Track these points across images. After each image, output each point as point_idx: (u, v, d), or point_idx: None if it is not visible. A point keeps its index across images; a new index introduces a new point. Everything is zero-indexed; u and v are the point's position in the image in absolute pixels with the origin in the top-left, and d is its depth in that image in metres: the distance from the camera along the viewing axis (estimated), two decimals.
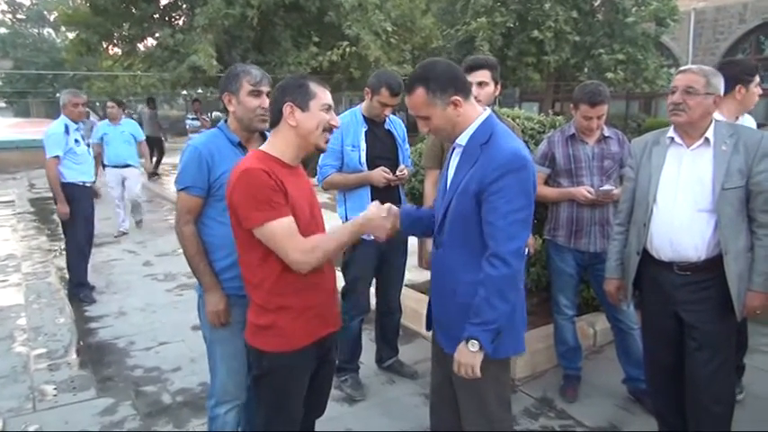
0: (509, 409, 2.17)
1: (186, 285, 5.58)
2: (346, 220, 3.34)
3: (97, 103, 23.58)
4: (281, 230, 1.87)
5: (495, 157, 1.89)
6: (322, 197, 9.60)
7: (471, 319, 1.89)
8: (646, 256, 2.56)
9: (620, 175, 3.18)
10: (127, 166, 7.44)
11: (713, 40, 19.26)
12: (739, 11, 18.63)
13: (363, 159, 3.27)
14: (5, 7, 33.59)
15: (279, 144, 2.00)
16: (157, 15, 14.11)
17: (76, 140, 5.13)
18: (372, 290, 3.58)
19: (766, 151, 2.35)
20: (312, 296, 2.01)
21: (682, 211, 2.42)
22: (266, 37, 13.38)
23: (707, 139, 2.41)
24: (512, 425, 2.21)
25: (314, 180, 3.45)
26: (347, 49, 12.37)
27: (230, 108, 2.35)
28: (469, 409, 2.11)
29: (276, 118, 1.99)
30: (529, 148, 2.90)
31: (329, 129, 2.02)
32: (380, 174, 3.21)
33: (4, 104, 36.59)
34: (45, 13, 32.78)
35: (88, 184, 5.25)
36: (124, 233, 7.69)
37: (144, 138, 7.76)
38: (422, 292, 4.38)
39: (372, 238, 3.26)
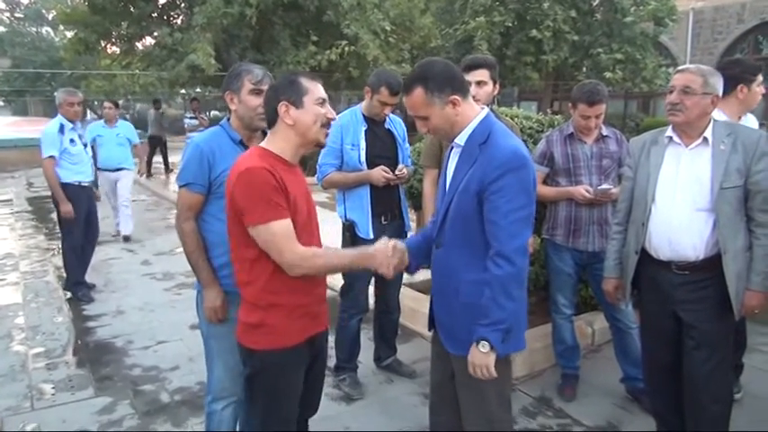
0: (509, 409, 2.17)
1: (184, 284, 5.57)
2: (345, 218, 3.35)
3: (95, 102, 23.56)
4: (280, 231, 1.87)
5: (495, 156, 1.89)
6: (321, 196, 9.59)
7: (480, 320, 1.89)
8: (644, 256, 2.56)
9: (619, 174, 3.18)
10: (120, 169, 7.14)
11: (711, 40, 19.29)
12: (738, 11, 18.66)
13: (363, 158, 3.27)
14: (3, 6, 33.61)
15: (278, 143, 1.99)
16: (156, 14, 14.13)
17: (72, 140, 5.10)
18: (371, 289, 3.58)
19: (765, 150, 2.35)
20: (303, 295, 2.02)
21: (680, 210, 2.42)
22: (265, 36, 13.39)
23: (705, 139, 2.41)
24: (512, 425, 2.21)
25: (312, 179, 3.46)
26: (346, 49, 12.38)
27: (232, 106, 2.36)
28: (470, 408, 2.11)
29: (272, 118, 1.98)
30: (527, 147, 2.90)
31: (326, 123, 2.00)
32: (380, 173, 3.21)
33: (2, 103, 36.54)
34: (43, 11, 32.78)
35: (85, 184, 5.22)
36: (123, 235, 7.46)
37: (139, 141, 7.46)
38: (421, 292, 4.37)
39: (371, 236, 3.30)
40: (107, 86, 16.43)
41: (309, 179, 3.90)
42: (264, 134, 2.39)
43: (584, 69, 16.31)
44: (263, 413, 2.05)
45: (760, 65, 3.24)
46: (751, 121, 3.17)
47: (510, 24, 15.43)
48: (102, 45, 14.77)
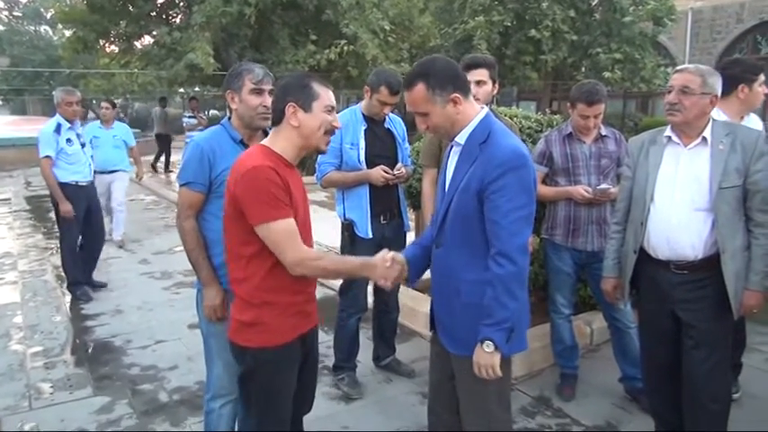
0: (509, 409, 2.17)
1: (183, 284, 5.57)
2: (345, 218, 3.35)
3: (94, 101, 23.52)
4: (285, 230, 1.89)
5: (495, 155, 1.89)
6: (320, 195, 9.59)
7: (483, 320, 1.89)
8: (643, 255, 2.57)
9: (618, 174, 3.18)
10: (115, 171, 6.82)
11: (710, 40, 19.30)
12: (736, 10, 18.68)
13: (362, 158, 3.26)
14: (2, 4, 33.53)
15: (280, 142, 1.99)
16: (154, 13, 14.11)
17: (69, 140, 5.09)
18: (370, 288, 3.57)
19: (763, 150, 2.35)
20: (296, 293, 2.03)
21: (679, 209, 2.42)
22: (264, 35, 13.38)
23: (704, 139, 2.41)
24: (511, 425, 2.21)
25: (311, 178, 3.46)
26: (345, 48, 12.38)
27: (233, 106, 2.37)
28: (469, 408, 2.11)
29: (278, 117, 1.98)
30: (526, 146, 2.90)
31: (331, 130, 2.01)
32: (379, 172, 3.21)
33: (0, 102, 36.48)
34: (42, 10, 32.70)
35: (82, 184, 5.20)
36: (115, 240, 7.12)
37: (135, 143, 7.22)
38: (420, 291, 4.38)
39: (370, 236, 3.30)
40: (105, 85, 16.39)
41: (309, 178, 3.91)
42: (266, 133, 2.40)
43: (583, 69, 16.31)
44: (257, 411, 2.06)
45: (762, 64, 3.24)
46: (754, 121, 3.16)
47: (509, 24, 15.44)
48: (101, 44, 14.74)
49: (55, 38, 32.58)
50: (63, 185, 5.04)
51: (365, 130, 3.29)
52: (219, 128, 2.41)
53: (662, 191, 2.47)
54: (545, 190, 3.25)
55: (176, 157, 14.10)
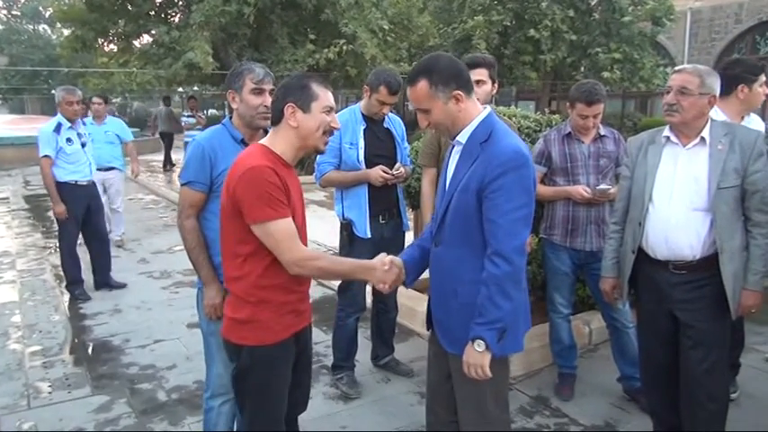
0: (506, 409, 2.17)
1: (182, 283, 5.57)
2: (343, 217, 3.35)
3: (91, 99, 23.53)
4: (284, 229, 1.90)
5: (496, 154, 1.89)
6: (319, 194, 9.60)
7: (476, 318, 1.89)
8: (641, 255, 2.57)
9: (616, 173, 3.18)
10: (110, 168, 6.56)
11: (709, 40, 19.32)
12: (735, 10, 18.69)
13: (362, 157, 3.26)
14: (1, 3, 33.48)
15: (279, 143, 2.00)
16: (153, 12, 14.09)
17: (69, 139, 5.08)
18: (368, 288, 3.57)
19: (761, 151, 2.36)
20: (291, 292, 2.04)
21: (677, 209, 2.42)
22: (263, 34, 13.38)
23: (703, 139, 2.41)
24: (509, 425, 2.21)
25: (310, 178, 3.46)
26: (344, 47, 12.38)
27: (234, 105, 2.38)
28: (467, 407, 2.11)
29: (277, 117, 1.99)
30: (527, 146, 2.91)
31: (329, 131, 2.02)
32: (378, 172, 3.21)
33: None
34: (40, 9, 32.69)
35: (82, 183, 5.19)
36: (117, 240, 7.05)
37: (131, 139, 7.06)
38: (418, 291, 4.37)
39: (369, 236, 3.30)
40: (104, 84, 16.39)
41: (308, 177, 3.90)
42: (267, 133, 2.40)
43: (582, 69, 16.33)
44: (251, 409, 2.07)
45: (763, 65, 3.24)
46: (755, 122, 3.16)
47: (508, 24, 15.45)
48: (100, 43, 14.73)
49: (53, 37, 32.58)
50: (62, 184, 5.04)
51: (364, 130, 3.29)
52: (221, 127, 2.42)
53: (660, 191, 2.47)
54: (544, 190, 3.25)
55: (176, 156, 14.15)
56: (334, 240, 3.72)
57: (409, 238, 3.55)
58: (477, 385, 1.99)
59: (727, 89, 2.74)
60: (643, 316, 2.72)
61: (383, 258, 2.07)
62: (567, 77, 17.00)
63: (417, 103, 1.99)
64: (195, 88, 21.91)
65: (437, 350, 2.17)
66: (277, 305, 2.00)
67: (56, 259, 6.18)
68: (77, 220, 5.20)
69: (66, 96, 5.07)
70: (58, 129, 5.05)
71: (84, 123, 5.62)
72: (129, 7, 13.50)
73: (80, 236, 5.36)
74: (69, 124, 5.12)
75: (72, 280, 5.21)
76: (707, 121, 2.43)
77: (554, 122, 4.18)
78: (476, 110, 2.02)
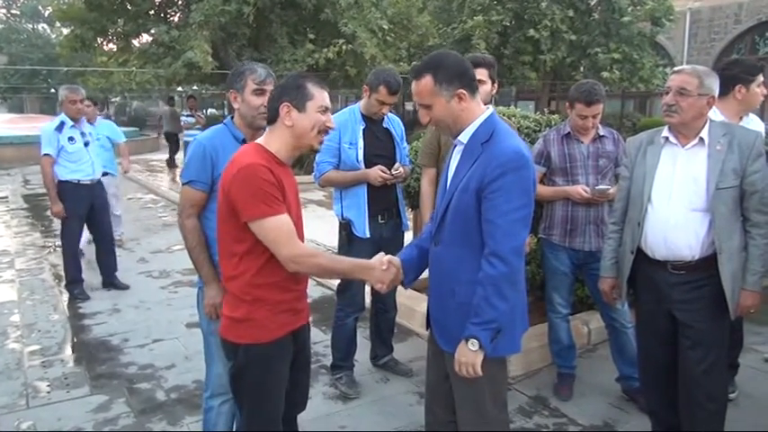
0: (505, 409, 2.17)
1: (181, 282, 5.57)
2: (342, 217, 3.35)
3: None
4: (280, 226, 1.90)
5: (497, 155, 1.89)
6: (318, 194, 9.60)
7: (471, 318, 1.89)
8: (640, 255, 2.57)
9: (616, 174, 3.19)
10: (102, 174, 6.09)
11: (708, 40, 19.34)
12: (735, 11, 18.71)
13: (361, 157, 3.26)
14: (0, 2, 33.45)
15: (274, 141, 2.01)
16: (153, 11, 14.10)
17: (71, 138, 5.06)
18: (367, 288, 3.57)
19: (760, 151, 2.36)
20: (287, 291, 2.04)
21: (676, 210, 2.42)
22: (262, 34, 13.39)
23: (701, 139, 2.41)
24: (507, 425, 2.21)
25: (309, 177, 3.46)
26: (343, 47, 12.38)
27: (235, 105, 2.39)
28: (465, 407, 2.11)
29: (273, 116, 2.00)
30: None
31: (324, 130, 2.03)
32: (377, 172, 3.21)
33: None
34: (40, 8, 32.69)
35: (84, 183, 5.16)
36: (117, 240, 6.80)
37: (124, 139, 6.95)
38: (417, 290, 4.37)
39: (368, 235, 3.30)
40: (103, 84, 16.39)
41: (307, 177, 3.90)
42: None
43: (582, 69, 16.33)
44: (249, 407, 2.07)
45: (761, 65, 3.24)
46: (755, 123, 3.15)
47: (508, 24, 15.46)
48: (99, 42, 14.73)
49: (53, 36, 32.56)
50: (64, 183, 5.03)
51: (363, 130, 3.29)
52: (222, 127, 2.42)
53: (659, 191, 2.47)
54: (543, 189, 3.25)
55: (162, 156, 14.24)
56: (333, 240, 3.72)
57: (408, 237, 3.55)
58: (475, 385, 1.99)
59: (724, 89, 2.74)
60: (642, 316, 2.72)
61: (381, 258, 2.07)
62: (566, 77, 17.01)
63: (420, 98, 2.00)
64: (195, 88, 21.92)
65: (436, 350, 2.17)
66: (272, 304, 2.00)
67: (55, 258, 6.19)
68: (80, 219, 5.19)
69: (70, 95, 5.06)
70: (60, 127, 5.04)
71: (92, 124, 5.60)
72: (129, 6, 13.50)
73: (90, 235, 5.31)
74: (72, 123, 5.11)
75: (71, 279, 5.21)
76: (706, 122, 2.43)
77: (553, 122, 4.18)
78: (479, 110, 2.02)
